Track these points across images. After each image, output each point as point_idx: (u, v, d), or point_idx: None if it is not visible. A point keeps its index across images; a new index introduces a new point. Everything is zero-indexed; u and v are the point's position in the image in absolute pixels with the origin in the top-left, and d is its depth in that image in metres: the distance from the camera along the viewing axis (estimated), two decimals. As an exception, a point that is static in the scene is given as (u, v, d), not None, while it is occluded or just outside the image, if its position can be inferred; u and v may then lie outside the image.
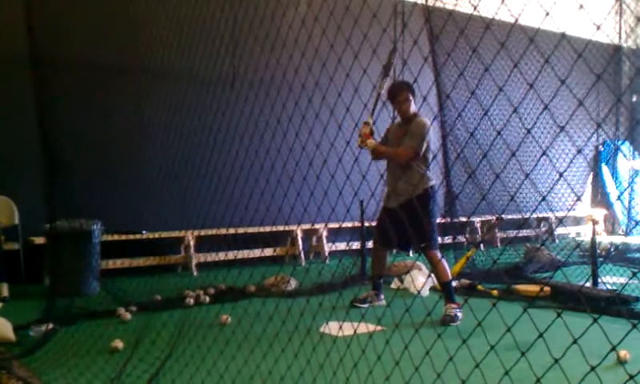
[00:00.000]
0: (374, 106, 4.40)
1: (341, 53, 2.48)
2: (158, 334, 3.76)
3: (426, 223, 4.23)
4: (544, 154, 1.70)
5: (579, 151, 7.38)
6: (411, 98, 4.42)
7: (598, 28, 2.04)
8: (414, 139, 4.33)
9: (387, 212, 4.54)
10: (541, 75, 2.17)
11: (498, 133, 2.21)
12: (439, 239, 4.97)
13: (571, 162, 7.44)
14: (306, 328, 3.08)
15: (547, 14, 1.97)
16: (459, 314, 4.15)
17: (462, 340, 1.87)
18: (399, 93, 4.40)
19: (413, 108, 4.45)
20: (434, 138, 5.07)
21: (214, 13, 4.39)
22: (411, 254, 7.01)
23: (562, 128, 1.80)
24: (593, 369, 1.53)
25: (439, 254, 4.37)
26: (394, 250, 5.09)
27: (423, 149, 4.36)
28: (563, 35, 2.11)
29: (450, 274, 4.45)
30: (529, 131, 2.00)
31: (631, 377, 1.53)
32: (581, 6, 1.95)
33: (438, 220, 6.85)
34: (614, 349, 1.61)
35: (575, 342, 1.56)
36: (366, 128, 4.37)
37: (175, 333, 3.77)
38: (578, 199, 8.45)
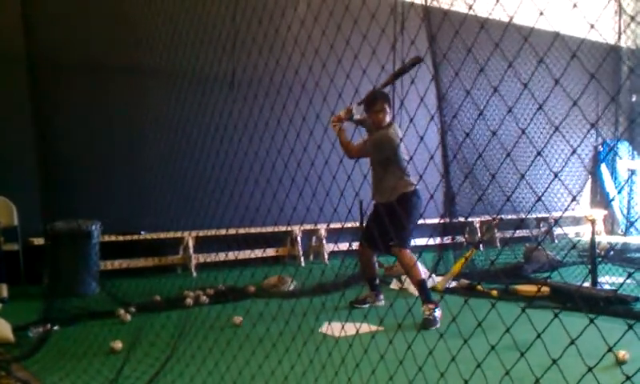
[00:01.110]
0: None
1: (340, 53, 2.48)
2: (156, 335, 3.77)
3: (399, 225, 4.24)
4: (538, 154, 1.70)
5: (574, 151, 7.37)
6: (387, 109, 4.48)
7: (592, 26, 2.04)
8: (370, 144, 4.44)
9: (374, 210, 4.61)
10: (539, 75, 2.17)
11: (494, 133, 2.21)
12: (428, 240, 4.96)
13: (566, 162, 7.45)
14: (307, 329, 3.08)
15: (541, 13, 1.97)
16: (437, 315, 4.15)
17: (464, 340, 1.87)
18: (376, 103, 4.45)
19: (387, 119, 4.51)
20: (432, 138, 5.08)
21: (215, 12, 4.39)
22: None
23: (557, 128, 1.80)
24: (590, 370, 1.53)
25: (410, 254, 4.38)
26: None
27: (389, 156, 4.39)
28: (557, 34, 2.11)
29: (422, 273, 4.48)
30: (523, 132, 2.00)
31: (628, 378, 1.53)
32: (574, 5, 1.95)
33: (436, 220, 6.87)
34: (610, 350, 1.61)
35: (572, 342, 1.56)
36: (344, 113, 4.47)
37: (175, 333, 3.77)
38: (574, 199, 8.44)
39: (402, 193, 4.33)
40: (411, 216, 4.37)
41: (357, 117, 4.66)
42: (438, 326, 4.06)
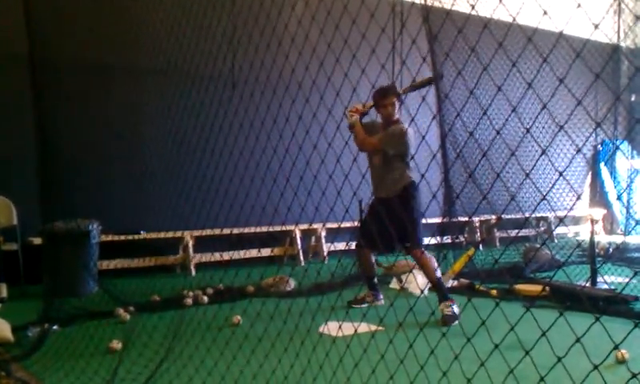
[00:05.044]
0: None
1: (339, 53, 2.47)
2: (151, 335, 3.76)
3: (408, 222, 4.24)
4: (544, 152, 1.70)
5: (578, 150, 7.37)
6: (396, 103, 4.53)
7: (596, 27, 2.04)
8: (387, 138, 4.46)
9: (372, 207, 4.56)
10: (540, 75, 2.17)
11: (498, 132, 2.21)
12: (429, 240, 4.99)
13: (571, 161, 7.45)
14: (306, 329, 3.07)
15: (545, 12, 1.96)
16: (456, 310, 4.16)
17: (467, 339, 1.86)
18: (386, 97, 4.49)
19: (396, 114, 4.56)
20: (433, 138, 5.10)
21: (214, 11, 4.39)
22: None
23: (561, 127, 1.80)
24: (596, 367, 1.53)
25: (425, 253, 4.42)
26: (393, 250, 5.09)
27: (403, 152, 4.46)
28: (561, 34, 2.11)
29: (438, 271, 4.48)
30: (528, 131, 1.99)
31: (634, 375, 1.53)
32: (579, 5, 1.94)
33: (437, 220, 6.86)
34: (616, 347, 1.61)
35: (578, 340, 1.56)
36: (361, 107, 4.54)
37: (172, 333, 3.76)
38: (579, 198, 8.44)
39: (402, 186, 4.40)
40: (414, 209, 4.40)
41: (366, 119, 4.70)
42: (458, 321, 4.04)
